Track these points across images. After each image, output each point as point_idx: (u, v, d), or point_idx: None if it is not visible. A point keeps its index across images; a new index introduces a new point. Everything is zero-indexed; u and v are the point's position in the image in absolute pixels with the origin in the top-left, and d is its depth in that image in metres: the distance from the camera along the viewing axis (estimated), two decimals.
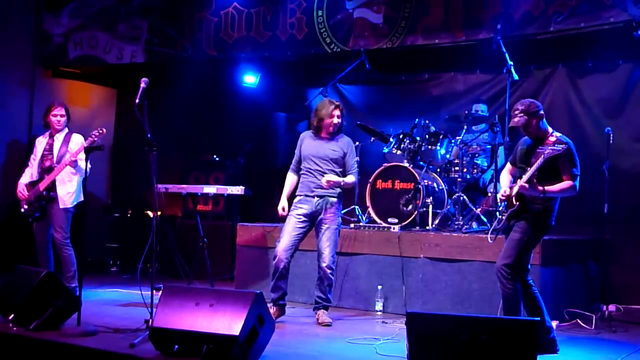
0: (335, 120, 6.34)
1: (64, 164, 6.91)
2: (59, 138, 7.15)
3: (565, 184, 5.11)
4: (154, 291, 5.43)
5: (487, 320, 4.40)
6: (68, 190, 7.04)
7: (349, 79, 8.90)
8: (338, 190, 6.36)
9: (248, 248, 7.84)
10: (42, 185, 6.97)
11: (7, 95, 9.46)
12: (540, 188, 5.02)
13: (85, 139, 6.76)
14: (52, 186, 6.98)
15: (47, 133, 7.24)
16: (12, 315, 5.51)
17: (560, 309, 6.50)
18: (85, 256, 7.71)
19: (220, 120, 10.26)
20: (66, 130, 7.22)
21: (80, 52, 9.73)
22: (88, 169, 5.93)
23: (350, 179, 6.39)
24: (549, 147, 5.02)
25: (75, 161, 6.89)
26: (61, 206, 7.00)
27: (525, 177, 5.05)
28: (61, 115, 7.16)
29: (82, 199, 7.03)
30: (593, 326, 6.35)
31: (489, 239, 5.43)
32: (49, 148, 7.14)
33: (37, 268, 6.22)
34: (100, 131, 6.70)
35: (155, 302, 5.06)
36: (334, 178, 6.26)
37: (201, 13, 9.02)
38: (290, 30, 8.51)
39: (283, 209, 6.46)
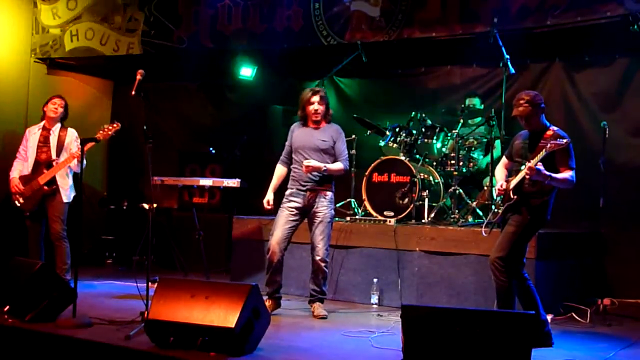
0: (316, 106, 6.23)
1: (71, 158, 6.85)
2: (55, 132, 7.11)
3: (566, 174, 5.11)
4: (150, 283, 5.45)
5: (482, 313, 4.40)
6: (69, 183, 7.05)
7: (346, 72, 8.89)
8: (329, 182, 6.31)
9: (244, 240, 7.84)
10: (42, 180, 6.93)
11: (3, 87, 9.42)
12: (547, 173, 5.00)
13: (97, 132, 6.66)
14: (52, 180, 6.95)
15: (41, 125, 7.20)
16: (8, 307, 5.51)
17: (555, 302, 6.51)
18: (81, 248, 7.71)
19: (216, 113, 10.25)
20: (59, 124, 7.19)
21: (77, 44, 9.69)
22: (84, 162, 5.92)
23: (337, 165, 6.27)
24: (551, 141, 4.99)
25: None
26: (65, 200, 7.00)
27: (532, 162, 4.99)
28: (60, 105, 7.14)
29: (74, 192, 7.06)
30: (588, 320, 6.37)
31: (484, 232, 5.45)
32: (44, 140, 7.11)
33: (32, 260, 6.21)
34: (115, 125, 6.68)
35: (151, 294, 5.06)
36: (313, 163, 6.13)
37: (198, 5, 8.99)
38: (287, 22, 8.48)
39: (268, 203, 6.37)
